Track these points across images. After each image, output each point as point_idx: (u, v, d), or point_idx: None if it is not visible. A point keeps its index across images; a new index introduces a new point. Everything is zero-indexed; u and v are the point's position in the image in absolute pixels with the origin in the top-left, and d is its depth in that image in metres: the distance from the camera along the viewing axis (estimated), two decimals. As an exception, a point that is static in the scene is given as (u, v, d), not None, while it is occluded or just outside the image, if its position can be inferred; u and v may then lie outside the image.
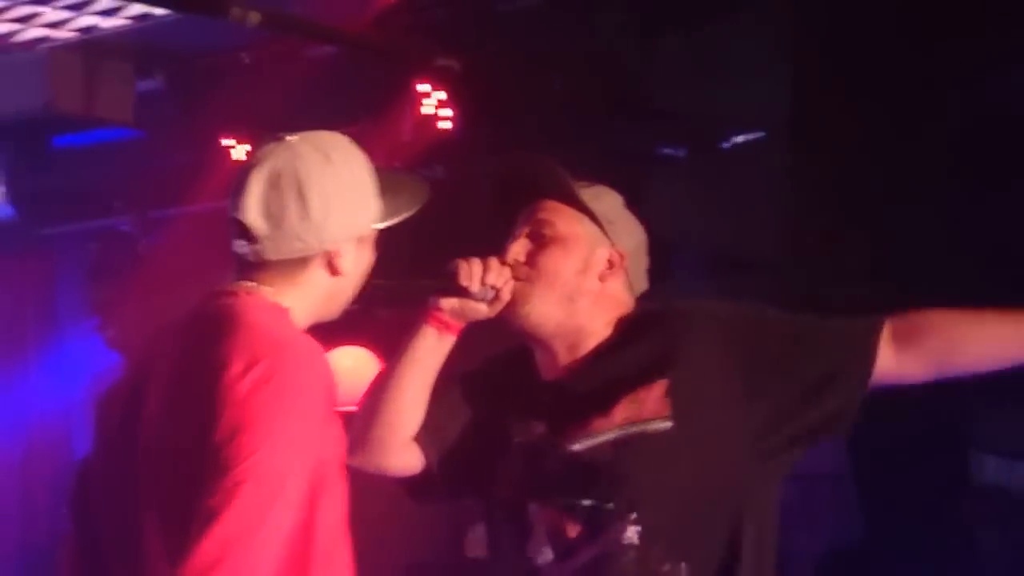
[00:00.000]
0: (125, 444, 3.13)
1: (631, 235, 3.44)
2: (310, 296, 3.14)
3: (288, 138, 3.12)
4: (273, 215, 3.03)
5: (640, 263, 3.48)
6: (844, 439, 7.20)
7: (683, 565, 3.20)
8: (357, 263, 3.18)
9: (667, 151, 7.06)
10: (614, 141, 7.07)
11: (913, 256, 6.25)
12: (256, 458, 2.89)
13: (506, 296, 3.18)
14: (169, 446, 3.04)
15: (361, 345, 6.34)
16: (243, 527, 2.88)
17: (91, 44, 7.13)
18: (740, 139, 6.86)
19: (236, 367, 2.93)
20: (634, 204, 6.44)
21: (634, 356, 3.29)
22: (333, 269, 3.12)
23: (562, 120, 6.89)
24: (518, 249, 3.30)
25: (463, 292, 3.18)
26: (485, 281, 3.15)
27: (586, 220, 3.35)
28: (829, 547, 7.55)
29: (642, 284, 3.46)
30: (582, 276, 3.29)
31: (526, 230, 3.37)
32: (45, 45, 7.17)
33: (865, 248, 6.25)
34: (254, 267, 3.11)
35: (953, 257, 6.23)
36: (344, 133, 6.27)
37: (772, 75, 6.46)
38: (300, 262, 3.10)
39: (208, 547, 2.84)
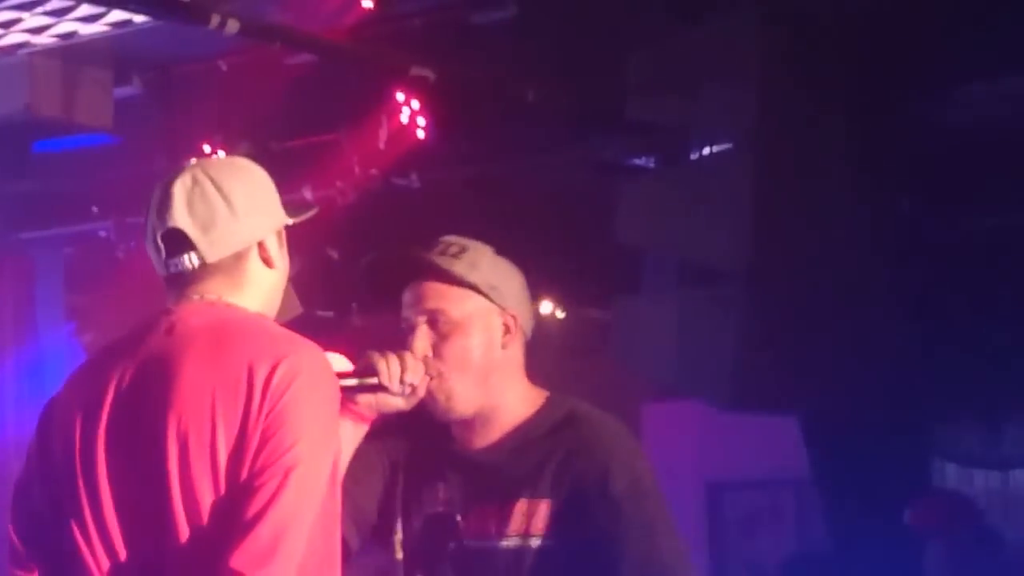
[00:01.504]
0: (112, 436, 3.13)
1: (513, 289, 3.60)
2: (258, 295, 3.28)
3: (193, 161, 3.34)
4: (203, 218, 3.17)
5: (528, 307, 3.65)
6: (808, 447, 6.44)
7: None
8: (283, 256, 3.33)
9: (637, 161, 7.21)
10: (585, 151, 7.29)
11: (879, 264, 6.40)
12: (298, 449, 3.04)
13: (421, 392, 3.32)
14: (201, 430, 3.08)
15: (337, 351, 6.80)
16: (294, 512, 3.03)
17: (71, 50, 7.09)
18: (708, 150, 6.60)
19: (262, 368, 3.06)
20: (605, 213, 6.54)
21: (537, 460, 3.48)
22: (266, 260, 3.25)
23: (534, 130, 7.05)
24: (423, 344, 3.43)
25: (381, 389, 3.29)
26: (403, 380, 3.26)
27: (472, 295, 3.49)
28: (794, 550, 7.89)
29: (532, 323, 3.64)
30: (488, 353, 3.48)
31: (422, 320, 3.50)
32: (25, 51, 7.09)
33: (831, 258, 6.25)
34: (195, 279, 3.19)
35: (917, 264, 6.51)
36: (321, 140, 6.35)
37: (739, 87, 6.44)
38: (237, 260, 3.23)
39: (264, 532, 2.99)
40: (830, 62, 6.37)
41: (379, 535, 3.65)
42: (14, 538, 3.34)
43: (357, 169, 7.02)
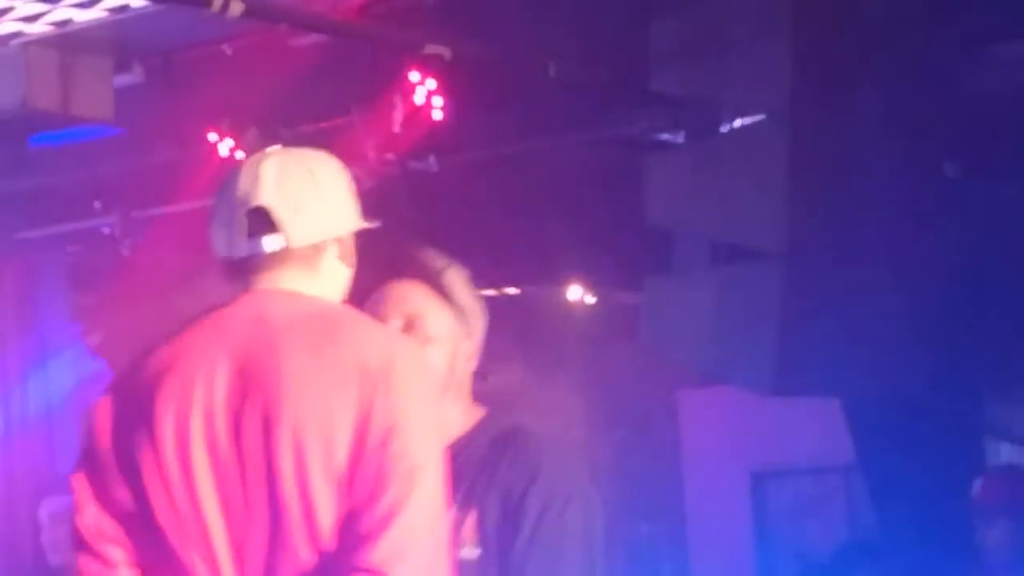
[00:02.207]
0: (218, 429, 3.09)
1: (479, 318, 3.58)
2: (332, 289, 3.21)
3: (275, 148, 3.21)
4: (293, 198, 3.08)
5: (481, 337, 3.63)
6: (854, 432, 7.09)
7: None
8: (353, 258, 3.28)
9: (664, 137, 7.07)
10: (610, 128, 7.19)
11: (923, 236, 6.33)
12: (422, 447, 3.03)
13: None
14: (313, 423, 3.04)
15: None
16: (424, 510, 3.00)
17: (67, 38, 6.80)
18: (739, 123, 6.59)
19: (375, 360, 3.04)
20: (633, 193, 6.49)
21: (468, 472, 3.43)
22: (344, 257, 3.19)
23: (557, 107, 6.96)
24: None
25: None
26: None
27: (450, 313, 3.48)
28: (843, 538, 7.71)
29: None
30: (450, 373, 3.46)
31: (398, 322, 3.47)
32: (19, 40, 6.80)
33: (873, 232, 6.23)
34: (269, 265, 3.11)
35: (962, 235, 6.39)
36: (334, 125, 6.17)
37: (771, 55, 6.38)
38: (315, 251, 3.13)
39: (397, 531, 2.94)
40: (864, 25, 6.34)
41: None
42: (86, 526, 3.21)
43: (372, 154, 6.83)
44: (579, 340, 8.19)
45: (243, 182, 3.11)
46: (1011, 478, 6.73)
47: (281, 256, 3.12)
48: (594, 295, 7.98)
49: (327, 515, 3.08)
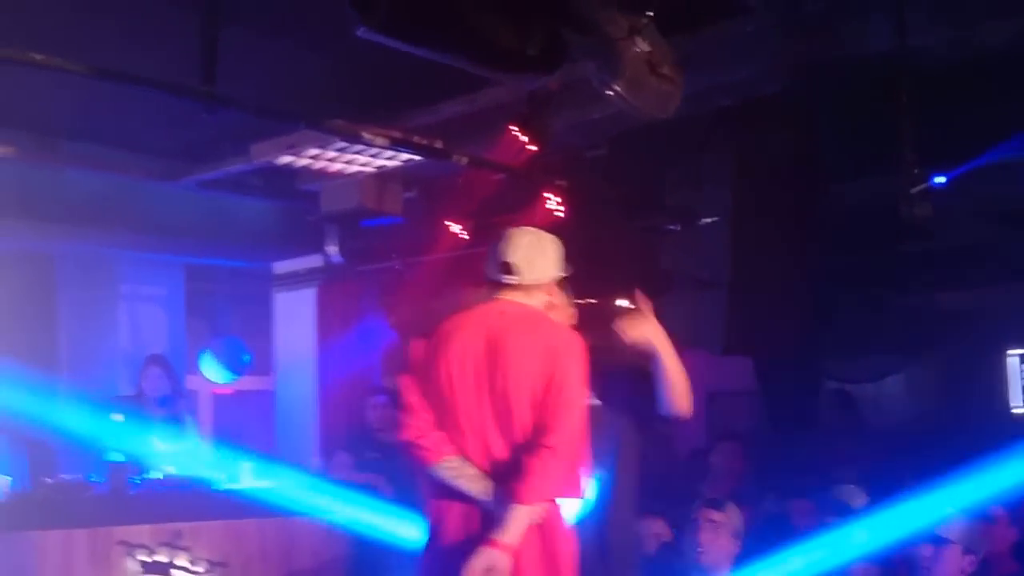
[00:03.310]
0: (489, 357, 4.34)
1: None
2: (538, 303, 4.48)
3: (524, 228, 4.50)
4: (529, 258, 4.43)
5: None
6: (752, 370, 8.44)
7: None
8: (556, 296, 4.51)
9: (671, 227, 9.24)
10: (644, 221, 9.18)
11: (803, 280, 8.41)
12: (578, 395, 4.28)
13: None
14: (528, 370, 4.30)
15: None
16: (577, 424, 4.26)
17: (381, 173, 9.22)
18: (707, 220, 9.13)
19: (557, 345, 4.29)
20: (652, 256, 8.36)
21: None
22: (549, 294, 4.48)
23: (616, 212, 8.94)
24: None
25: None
26: None
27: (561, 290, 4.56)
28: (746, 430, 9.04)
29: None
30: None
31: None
32: (358, 175, 9.26)
33: (774, 276, 8.49)
34: (508, 288, 4.40)
35: (817, 282, 8.39)
36: (509, 218, 6.95)
37: (724, 189, 8.75)
38: (535, 287, 4.45)
39: (564, 430, 4.21)
40: (773, 174, 8.40)
41: None
42: (410, 403, 4.41)
43: None
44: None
45: (506, 243, 4.40)
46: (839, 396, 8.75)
47: (514, 286, 4.39)
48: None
49: (527, 421, 4.29)
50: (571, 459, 4.16)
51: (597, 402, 4.48)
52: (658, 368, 4.40)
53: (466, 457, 4.21)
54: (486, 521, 4.15)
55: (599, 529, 4.44)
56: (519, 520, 4.09)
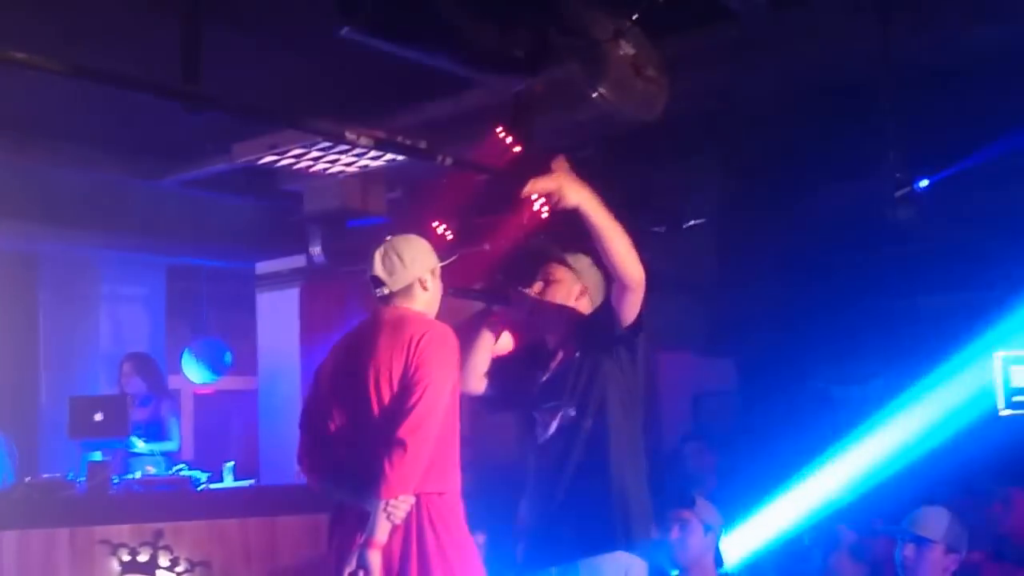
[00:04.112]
0: (354, 366, 4.60)
1: (591, 276, 4.99)
2: (422, 305, 4.73)
3: (388, 237, 4.77)
4: (388, 268, 4.76)
5: (599, 288, 4.96)
6: (736, 371, 8.94)
7: (590, 420, 4.78)
8: (435, 283, 4.73)
9: (656, 229, 9.12)
10: (629, 223, 7.59)
11: (781, 282, 8.82)
12: (432, 376, 4.43)
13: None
14: (386, 368, 4.52)
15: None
16: (430, 408, 4.38)
17: (365, 174, 9.21)
18: (692, 223, 9.11)
19: (417, 335, 4.49)
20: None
21: (567, 331, 4.85)
22: (424, 287, 4.73)
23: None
24: (536, 287, 4.98)
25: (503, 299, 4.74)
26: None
27: (568, 271, 4.96)
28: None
29: (601, 296, 4.88)
30: (568, 298, 4.96)
31: (541, 281, 4.99)
32: (342, 175, 9.24)
33: (758, 279, 8.87)
34: (388, 297, 4.71)
35: (801, 285, 8.80)
36: (496, 219, 8.07)
37: (709, 191, 8.93)
38: (407, 289, 4.74)
39: (415, 417, 4.36)
40: (758, 178, 8.59)
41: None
42: (300, 429, 4.74)
43: (511, 232, 8.58)
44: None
45: (369, 261, 4.78)
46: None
47: (390, 294, 4.75)
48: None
49: (388, 411, 4.49)
50: (433, 449, 4.33)
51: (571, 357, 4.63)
52: (597, 234, 4.51)
53: (344, 466, 4.45)
54: (364, 524, 4.32)
55: (606, 479, 4.62)
56: (381, 517, 4.29)
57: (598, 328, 4.69)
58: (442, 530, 4.39)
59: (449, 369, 4.46)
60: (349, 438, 4.47)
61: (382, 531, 4.28)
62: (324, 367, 4.68)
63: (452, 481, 4.46)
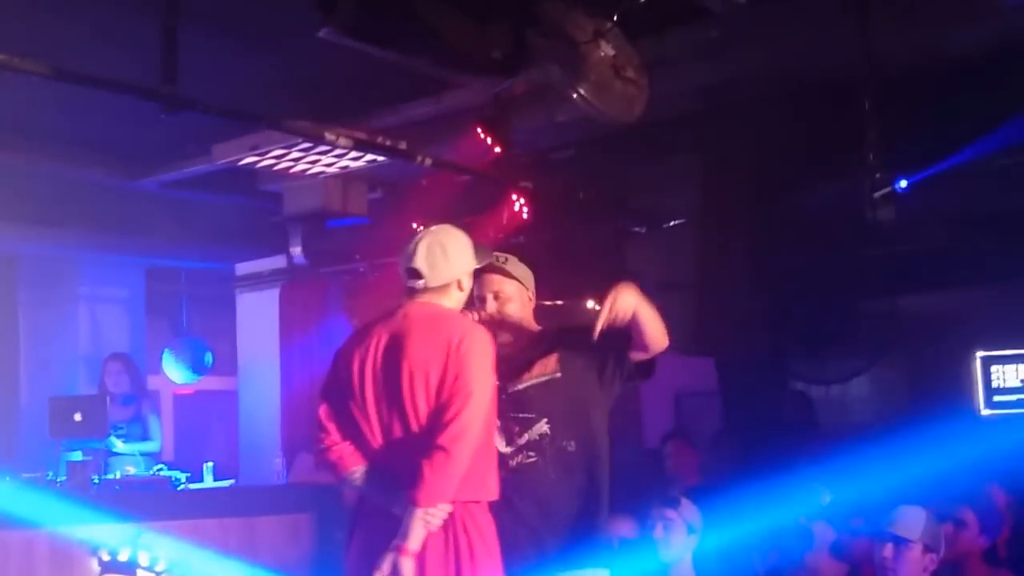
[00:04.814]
0: (386, 363, 4.35)
1: (530, 280, 4.83)
2: (453, 303, 4.50)
3: (431, 227, 4.52)
4: (431, 262, 4.44)
5: (531, 281, 4.85)
6: (716, 375, 8.78)
7: (572, 441, 4.63)
8: (468, 284, 4.53)
9: (636, 229, 9.22)
10: (610, 223, 9.18)
11: (758, 284, 8.54)
12: (474, 386, 4.24)
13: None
14: (422, 370, 4.30)
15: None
16: (473, 418, 4.22)
17: (346, 174, 9.23)
18: (673, 223, 9.10)
19: (455, 338, 4.28)
20: (618, 258, 8.29)
21: (542, 344, 4.69)
22: (460, 288, 4.49)
23: (583, 214, 8.96)
24: (492, 306, 4.75)
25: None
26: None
27: (515, 283, 4.77)
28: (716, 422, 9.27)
29: (532, 288, 4.80)
30: (523, 311, 4.80)
31: (490, 295, 4.75)
32: (322, 175, 9.26)
33: (738, 279, 8.65)
34: (421, 292, 4.44)
35: (781, 284, 8.61)
36: (473, 220, 7.47)
37: (689, 192, 8.85)
38: (445, 286, 4.48)
39: (457, 426, 4.18)
40: (736, 180, 8.52)
41: None
42: (321, 418, 4.46)
43: (491, 233, 8.42)
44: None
45: (410, 252, 4.45)
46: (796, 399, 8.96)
47: (424, 289, 4.45)
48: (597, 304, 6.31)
49: (424, 416, 4.31)
50: (471, 458, 4.20)
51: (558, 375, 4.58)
52: (641, 327, 4.49)
53: (374, 465, 4.27)
54: (396, 526, 4.21)
55: (579, 499, 4.58)
56: (417, 524, 4.15)
57: (603, 360, 4.71)
58: (476, 539, 4.27)
59: (489, 377, 4.32)
60: (382, 438, 4.32)
61: (416, 539, 4.17)
62: (346, 357, 4.43)
63: (487, 490, 4.33)
